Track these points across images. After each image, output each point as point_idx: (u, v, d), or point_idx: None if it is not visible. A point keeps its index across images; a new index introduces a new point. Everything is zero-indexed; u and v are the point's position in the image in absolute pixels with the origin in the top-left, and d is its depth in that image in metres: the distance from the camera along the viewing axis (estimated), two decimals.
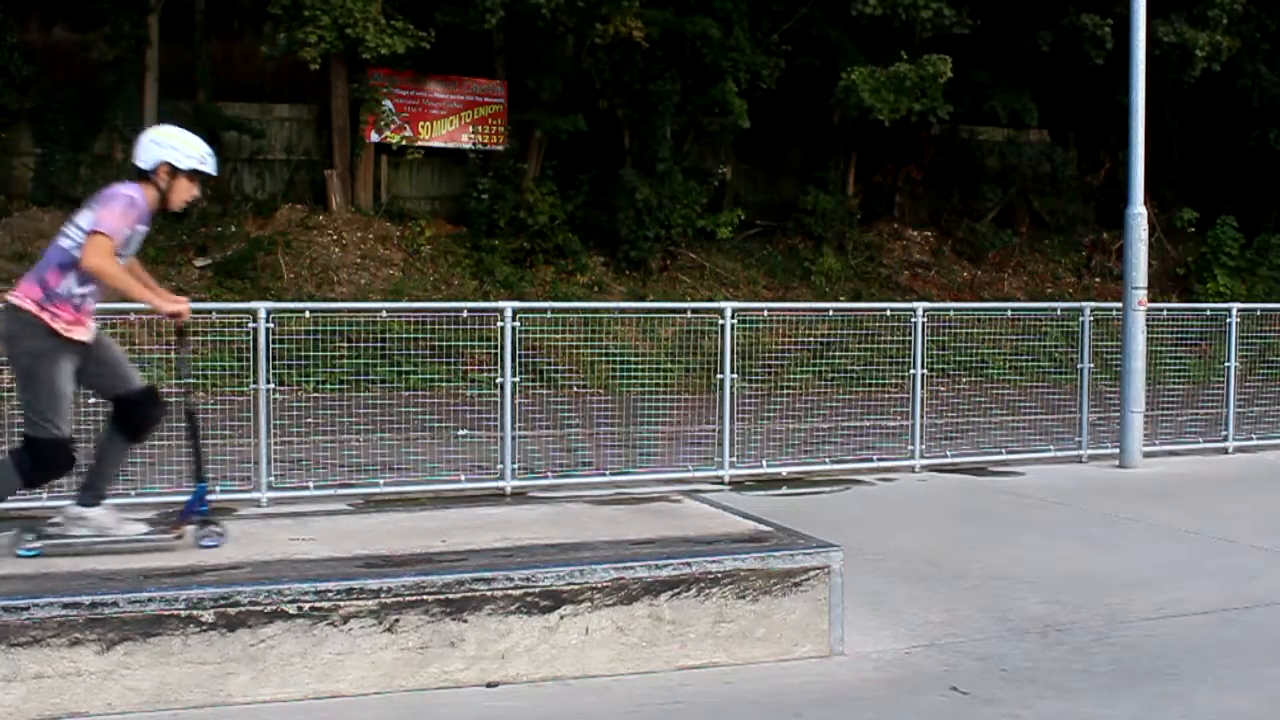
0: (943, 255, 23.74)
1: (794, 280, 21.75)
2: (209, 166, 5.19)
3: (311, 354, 9.10)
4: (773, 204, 23.49)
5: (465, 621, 4.63)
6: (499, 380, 9.07)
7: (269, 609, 4.43)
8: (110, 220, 4.85)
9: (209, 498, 5.45)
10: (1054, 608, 5.91)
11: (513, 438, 9.04)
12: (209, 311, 9.45)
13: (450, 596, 4.61)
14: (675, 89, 20.56)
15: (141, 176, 5.09)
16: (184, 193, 5.19)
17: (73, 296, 4.92)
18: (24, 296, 4.88)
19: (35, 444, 4.92)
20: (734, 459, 9.64)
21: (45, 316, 4.86)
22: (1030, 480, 9.87)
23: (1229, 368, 11.53)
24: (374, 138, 20.51)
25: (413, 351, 11.21)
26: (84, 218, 4.92)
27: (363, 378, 12.64)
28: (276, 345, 8.66)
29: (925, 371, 10.30)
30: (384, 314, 10.99)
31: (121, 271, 4.94)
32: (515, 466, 9.06)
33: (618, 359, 11.04)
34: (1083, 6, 21.03)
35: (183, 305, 5.25)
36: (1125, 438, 10.45)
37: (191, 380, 5.76)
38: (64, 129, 19.78)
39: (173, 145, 5.12)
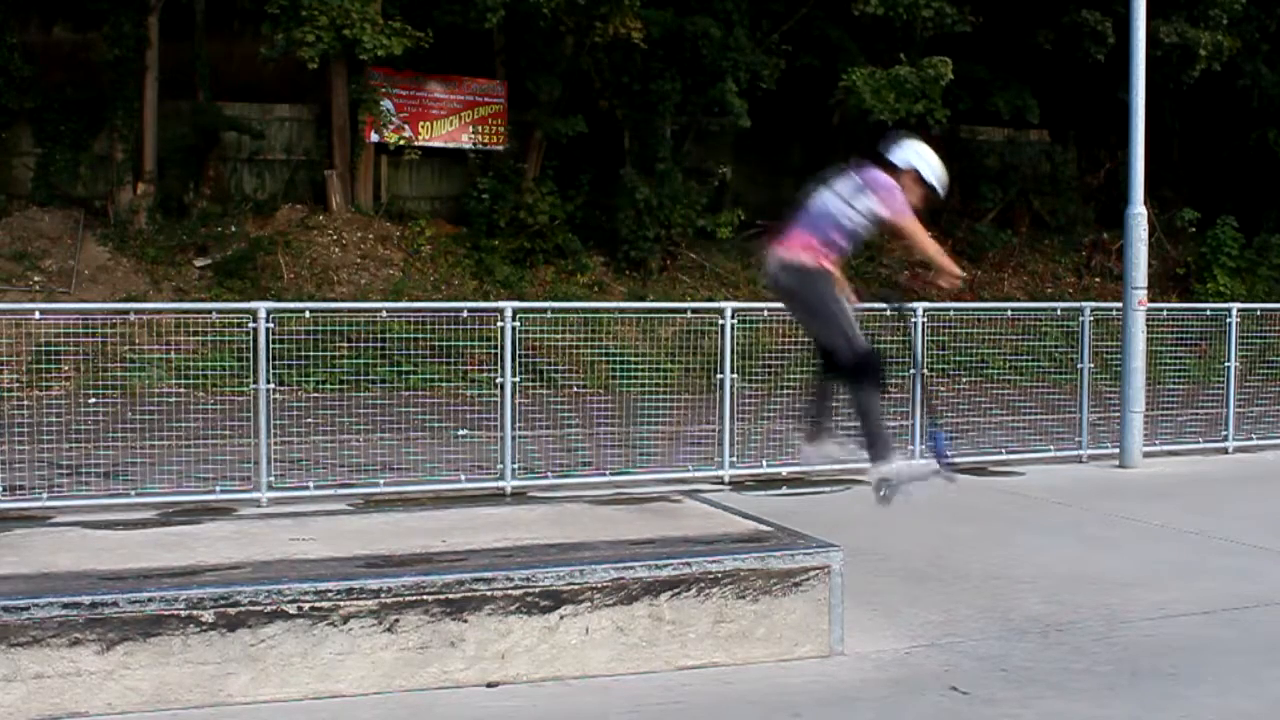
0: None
1: None
2: (941, 190, 6.00)
3: (311, 354, 9.10)
4: (773, 204, 23.40)
5: (465, 621, 4.63)
6: (499, 380, 9.07)
7: (269, 609, 4.42)
8: (906, 207, 5.77)
9: None
10: (1054, 608, 5.91)
11: (513, 438, 9.04)
12: (209, 311, 9.45)
13: (450, 596, 4.61)
14: (675, 89, 20.55)
15: (889, 168, 5.84)
16: (914, 198, 5.93)
17: (842, 253, 5.82)
18: (802, 250, 5.73)
19: (859, 365, 5.79)
20: (734, 459, 9.64)
21: (824, 263, 5.72)
22: (1030, 480, 9.87)
23: (1229, 368, 11.53)
24: (373, 138, 20.51)
25: (413, 351, 11.21)
26: (864, 200, 5.73)
27: (363, 378, 12.65)
28: (276, 345, 8.65)
29: (925, 371, 10.30)
30: (384, 314, 10.99)
31: (926, 236, 5.97)
32: (515, 466, 9.06)
33: (618, 359, 11.04)
34: (1083, 3, 21.03)
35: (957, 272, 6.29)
36: (1125, 438, 10.45)
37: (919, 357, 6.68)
38: (64, 129, 19.78)
39: (926, 159, 5.92)
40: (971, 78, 21.53)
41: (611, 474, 9.40)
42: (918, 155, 5.90)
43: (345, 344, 11.64)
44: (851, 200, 5.77)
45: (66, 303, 15.39)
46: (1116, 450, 10.57)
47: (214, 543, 5.35)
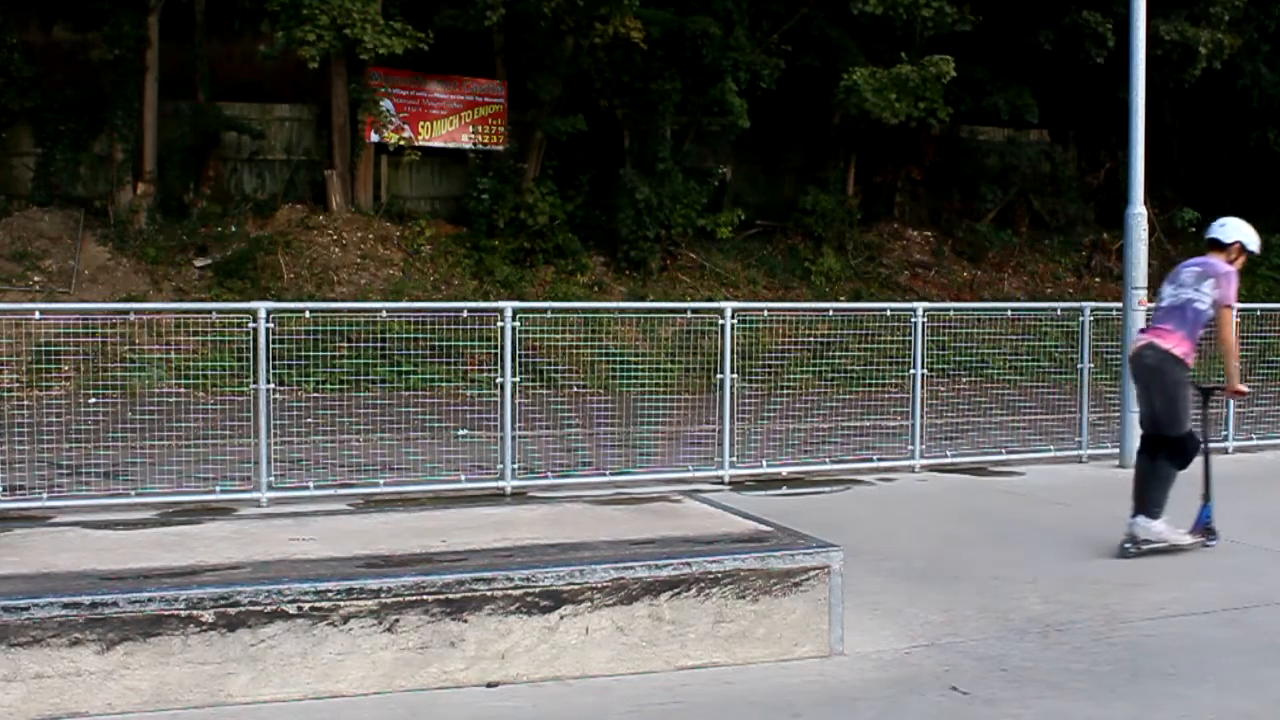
0: (943, 255, 23.75)
1: (794, 280, 21.76)
2: (1258, 250, 7.34)
3: (311, 354, 9.10)
4: (773, 204, 23.49)
5: (465, 621, 4.63)
6: (499, 380, 9.07)
7: (269, 609, 4.42)
8: (1234, 296, 6.95)
9: None
10: (1054, 608, 5.91)
11: (513, 438, 9.04)
12: (209, 311, 9.45)
13: (450, 596, 4.61)
14: (675, 89, 20.56)
15: (1217, 248, 7.12)
16: (1240, 264, 7.17)
17: (1196, 341, 7.01)
18: (1177, 345, 6.93)
19: (1177, 440, 6.99)
20: (734, 459, 9.64)
21: (1188, 359, 6.95)
22: (1030, 480, 9.87)
23: None
24: (373, 138, 20.52)
25: (413, 351, 11.21)
26: (1206, 284, 6.95)
27: (363, 378, 12.65)
28: (276, 345, 8.65)
29: (925, 371, 10.30)
30: (384, 314, 10.99)
31: (1235, 343, 7.10)
32: (515, 466, 9.07)
33: (618, 359, 11.03)
34: (1084, 4, 21.02)
35: (1245, 389, 7.43)
36: (1125, 438, 10.43)
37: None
38: (64, 129, 19.78)
39: (1246, 231, 7.17)
40: (971, 78, 21.54)
41: (611, 474, 9.41)
42: (1239, 230, 7.15)
43: (345, 344, 11.64)
44: (1198, 287, 7.00)
45: (66, 303, 15.39)
46: (1116, 450, 10.56)
47: (214, 543, 5.35)
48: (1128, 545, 6.99)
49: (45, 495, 8.24)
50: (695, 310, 11.06)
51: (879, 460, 10.25)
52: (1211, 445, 11.39)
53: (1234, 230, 7.17)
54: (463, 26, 18.88)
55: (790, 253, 22.51)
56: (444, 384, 11.26)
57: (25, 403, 9.74)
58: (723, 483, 9.45)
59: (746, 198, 23.08)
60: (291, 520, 6.27)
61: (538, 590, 4.71)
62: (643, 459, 9.66)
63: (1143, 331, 7.40)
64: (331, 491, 8.75)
